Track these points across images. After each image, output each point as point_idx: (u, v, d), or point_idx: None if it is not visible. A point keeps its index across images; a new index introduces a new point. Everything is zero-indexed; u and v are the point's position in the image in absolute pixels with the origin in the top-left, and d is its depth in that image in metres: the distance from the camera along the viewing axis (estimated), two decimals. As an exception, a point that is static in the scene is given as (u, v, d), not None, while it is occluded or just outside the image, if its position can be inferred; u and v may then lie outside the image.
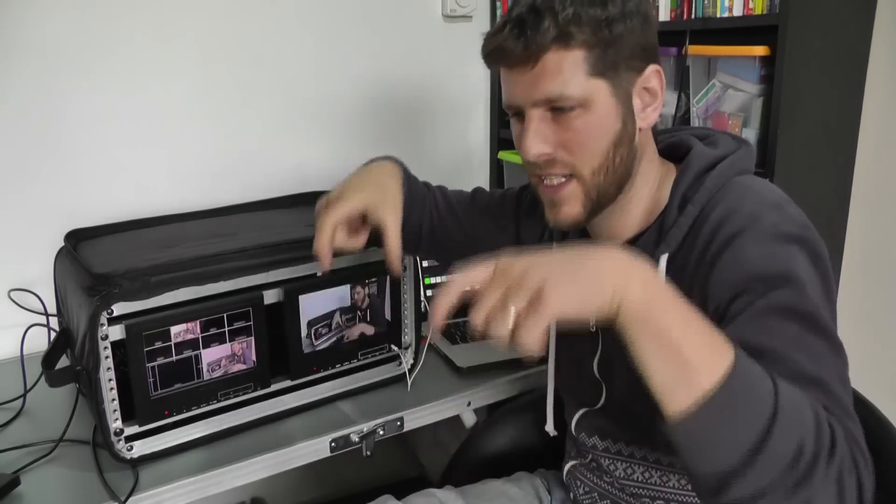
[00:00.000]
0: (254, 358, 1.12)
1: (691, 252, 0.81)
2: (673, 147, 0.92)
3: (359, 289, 1.20)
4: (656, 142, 0.90)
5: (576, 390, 1.01)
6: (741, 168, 0.85)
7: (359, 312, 1.21)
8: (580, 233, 0.96)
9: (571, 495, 1.05)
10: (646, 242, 0.86)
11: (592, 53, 0.78)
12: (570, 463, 1.04)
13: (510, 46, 0.79)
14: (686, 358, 0.61)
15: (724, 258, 0.77)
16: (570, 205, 0.84)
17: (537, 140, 0.81)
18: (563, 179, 0.83)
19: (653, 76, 0.83)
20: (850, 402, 0.70)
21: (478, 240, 1.12)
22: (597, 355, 0.94)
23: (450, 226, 1.14)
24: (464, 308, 0.67)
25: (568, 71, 0.78)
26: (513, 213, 1.11)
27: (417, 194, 1.11)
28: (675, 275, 0.82)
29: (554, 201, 0.85)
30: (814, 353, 0.71)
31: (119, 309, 0.99)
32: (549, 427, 1.08)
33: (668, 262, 0.83)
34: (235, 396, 1.12)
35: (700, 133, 0.94)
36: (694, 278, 0.80)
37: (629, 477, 0.95)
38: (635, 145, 0.84)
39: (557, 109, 0.80)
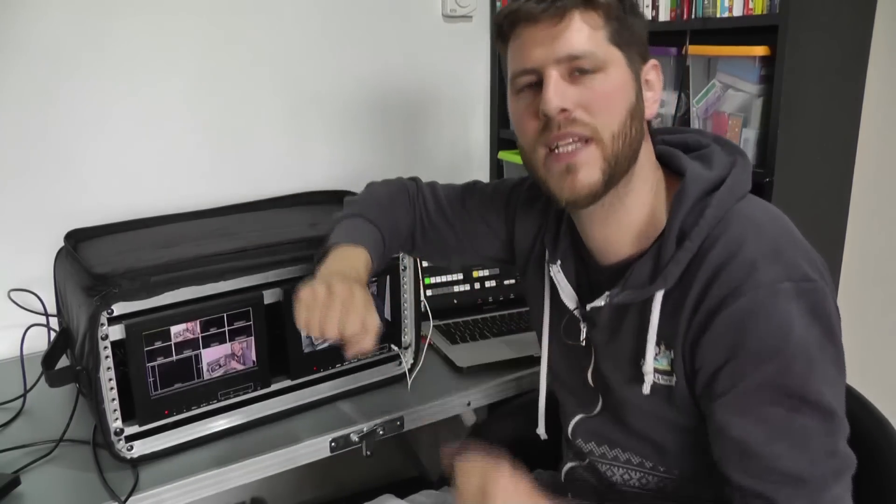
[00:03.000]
0: (254, 358, 1.12)
1: (688, 292, 0.80)
2: (661, 157, 0.90)
3: (359, 289, 1.19)
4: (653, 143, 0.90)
5: (574, 395, 1.01)
6: (739, 193, 0.83)
7: (359, 312, 1.21)
8: (573, 244, 0.95)
9: (569, 495, 1.05)
10: (640, 272, 0.84)
11: (611, 24, 0.80)
12: (569, 465, 1.04)
13: (532, 5, 0.80)
14: None
15: (718, 319, 0.77)
16: (588, 170, 0.80)
17: (558, 94, 0.79)
18: (580, 145, 0.80)
19: (651, 70, 0.86)
20: (833, 474, 0.76)
21: (470, 242, 1.11)
22: (590, 367, 0.95)
23: (441, 228, 1.11)
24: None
25: (592, 32, 0.80)
26: (504, 214, 1.08)
27: (399, 213, 1.09)
28: (671, 313, 0.82)
29: (570, 167, 0.81)
30: (798, 437, 0.75)
31: (119, 309, 0.99)
32: (541, 430, 1.08)
33: (664, 297, 0.83)
34: (235, 396, 1.12)
35: (691, 142, 0.92)
36: (689, 327, 0.80)
37: (626, 483, 0.95)
38: (643, 127, 0.85)
39: (578, 71, 0.80)
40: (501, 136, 1.91)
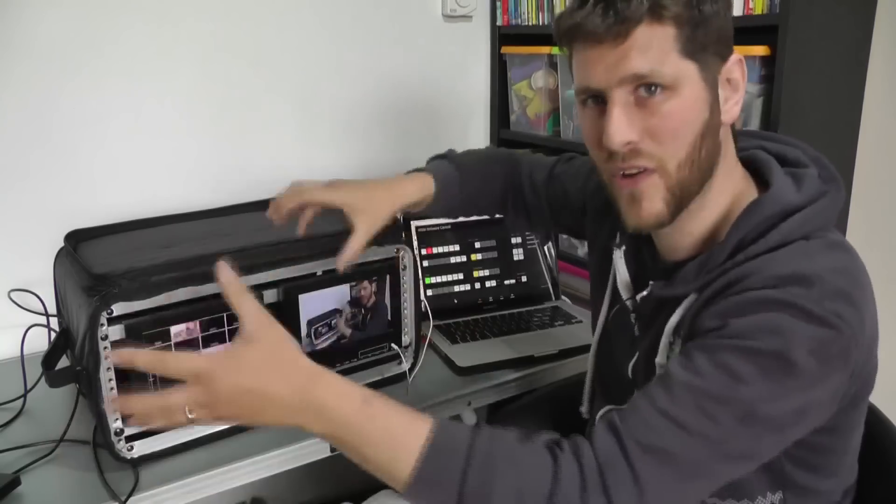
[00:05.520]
0: (254, 358, 1.12)
1: (709, 287, 0.78)
2: (750, 161, 0.85)
3: (358, 288, 1.20)
4: (736, 148, 0.84)
5: (609, 384, 1.01)
6: (818, 225, 0.77)
7: (360, 312, 1.21)
8: (636, 237, 0.91)
9: None
10: (688, 272, 0.81)
11: (683, 32, 0.73)
12: None
13: (595, 21, 0.73)
14: (377, 463, 0.77)
15: (725, 301, 0.74)
16: (652, 200, 0.78)
17: (623, 125, 0.74)
18: (643, 171, 0.77)
19: (735, 66, 0.79)
20: (661, 466, 0.70)
21: (549, 206, 1.17)
22: (633, 358, 0.93)
23: (529, 193, 1.19)
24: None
25: (659, 47, 0.73)
26: (583, 190, 1.10)
27: (495, 169, 1.21)
28: (687, 307, 0.80)
29: (634, 195, 0.78)
30: (709, 415, 0.69)
31: (119, 309, 0.99)
32: (584, 409, 1.08)
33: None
34: (235, 396, 1.11)
35: (790, 156, 0.85)
36: (697, 314, 0.78)
37: None
38: (719, 140, 0.79)
39: (644, 92, 0.74)
40: (501, 136, 1.91)
